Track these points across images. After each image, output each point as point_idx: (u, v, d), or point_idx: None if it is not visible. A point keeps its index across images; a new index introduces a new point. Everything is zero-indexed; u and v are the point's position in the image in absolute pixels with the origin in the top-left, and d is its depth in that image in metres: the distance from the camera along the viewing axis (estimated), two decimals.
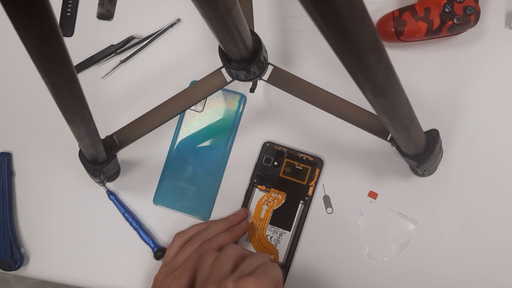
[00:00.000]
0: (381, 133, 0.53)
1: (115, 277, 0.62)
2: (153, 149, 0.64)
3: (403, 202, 0.60)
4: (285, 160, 0.61)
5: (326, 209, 0.60)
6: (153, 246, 0.61)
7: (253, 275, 0.47)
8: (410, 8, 0.58)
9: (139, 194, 0.63)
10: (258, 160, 0.62)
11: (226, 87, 0.57)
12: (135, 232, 0.62)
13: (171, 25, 0.66)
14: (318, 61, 0.63)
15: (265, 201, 0.61)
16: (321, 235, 0.60)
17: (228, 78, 0.54)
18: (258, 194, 0.61)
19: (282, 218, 0.60)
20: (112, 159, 0.56)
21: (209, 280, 0.47)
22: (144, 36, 0.66)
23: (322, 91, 0.54)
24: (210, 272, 0.49)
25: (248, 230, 0.60)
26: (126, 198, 0.63)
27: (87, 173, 0.56)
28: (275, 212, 0.60)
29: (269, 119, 0.63)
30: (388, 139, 0.52)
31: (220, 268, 0.49)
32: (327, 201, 0.60)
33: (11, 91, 0.67)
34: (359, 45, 0.29)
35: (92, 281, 0.62)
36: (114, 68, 0.66)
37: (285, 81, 0.54)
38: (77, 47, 0.66)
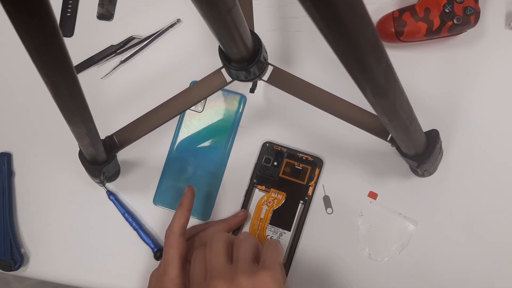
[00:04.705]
0: (381, 133, 0.53)
1: (115, 277, 0.62)
2: (153, 149, 0.64)
3: (403, 203, 0.60)
4: (285, 160, 0.61)
5: (326, 209, 0.60)
6: (153, 246, 0.61)
7: (264, 267, 0.45)
8: (410, 9, 0.58)
9: (139, 194, 0.63)
10: (257, 160, 0.61)
11: (226, 88, 0.57)
12: (135, 232, 0.62)
13: (171, 25, 0.66)
14: (318, 61, 0.63)
15: (265, 201, 0.61)
16: (321, 235, 0.60)
17: (228, 79, 0.53)
18: (258, 194, 0.61)
19: (282, 218, 0.60)
20: (112, 160, 0.56)
21: (212, 274, 0.46)
22: (144, 37, 0.66)
23: (322, 91, 0.54)
24: (208, 265, 0.47)
25: (248, 228, 0.60)
26: (126, 198, 0.63)
27: (87, 173, 0.56)
28: (275, 212, 0.60)
29: (269, 119, 0.63)
30: (388, 139, 0.52)
31: (215, 258, 0.47)
32: (327, 201, 0.60)
33: (11, 91, 0.67)
34: (359, 45, 0.29)
35: (92, 281, 0.62)
36: (114, 68, 0.66)
37: (285, 81, 0.54)
38: (77, 48, 0.66)
